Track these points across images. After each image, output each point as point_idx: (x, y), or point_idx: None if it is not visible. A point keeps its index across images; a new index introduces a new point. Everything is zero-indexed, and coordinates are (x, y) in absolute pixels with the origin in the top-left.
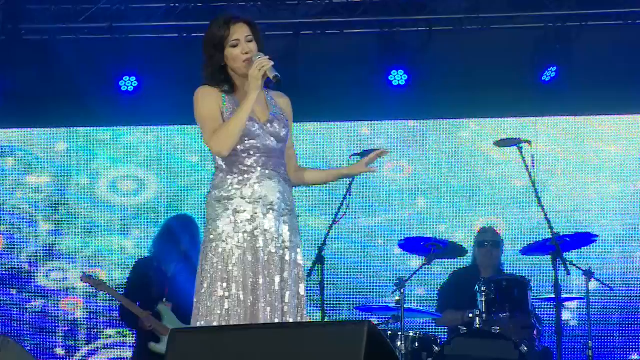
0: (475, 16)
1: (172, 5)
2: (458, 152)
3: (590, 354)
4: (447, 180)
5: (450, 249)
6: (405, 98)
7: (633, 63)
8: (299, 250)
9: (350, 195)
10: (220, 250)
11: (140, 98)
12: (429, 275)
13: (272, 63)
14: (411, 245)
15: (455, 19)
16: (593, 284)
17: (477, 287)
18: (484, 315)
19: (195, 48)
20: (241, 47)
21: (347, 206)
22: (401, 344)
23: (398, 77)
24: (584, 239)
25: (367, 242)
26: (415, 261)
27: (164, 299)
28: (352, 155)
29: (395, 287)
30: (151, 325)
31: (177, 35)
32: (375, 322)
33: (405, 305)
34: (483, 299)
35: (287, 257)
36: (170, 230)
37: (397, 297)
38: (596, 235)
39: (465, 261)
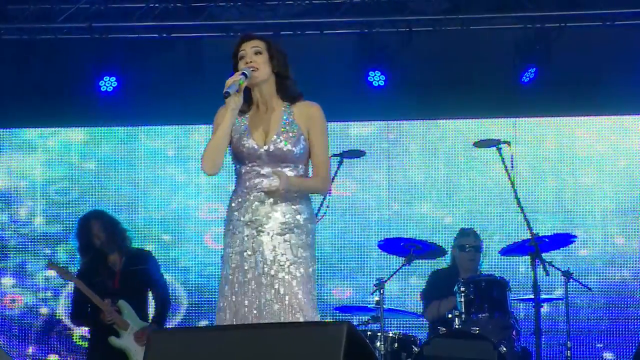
0: (455, 17)
1: (152, 5)
2: (437, 153)
3: (568, 354)
4: (427, 181)
5: (430, 250)
6: (385, 99)
7: (612, 64)
8: (303, 265)
9: (329, 195)
10: (223, 272)
11: (120, 98)
12: (409, 276)
13: (231, 80)
14: (390, 245)
15: (435, 20)
16: (572, 285)
17: (456, 287)
18: (463, 316)
19: (175, 48)
20: (245, 58)
21: (327, 207)
22: (380, 344)
23: (377, 78)
24: (562, 240)
25: (346, 243)
26: (395, 262)
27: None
28: (331, 156)
29: (374, 288)
30: (112, 319)
31: (157, 35)
32: (354, 323)
33: (384, 306)
34: (462, 299)
35: (283, 275)
36: (94, 226)
37: (376, 298)
38: (575, 236)
39: (444, 262)
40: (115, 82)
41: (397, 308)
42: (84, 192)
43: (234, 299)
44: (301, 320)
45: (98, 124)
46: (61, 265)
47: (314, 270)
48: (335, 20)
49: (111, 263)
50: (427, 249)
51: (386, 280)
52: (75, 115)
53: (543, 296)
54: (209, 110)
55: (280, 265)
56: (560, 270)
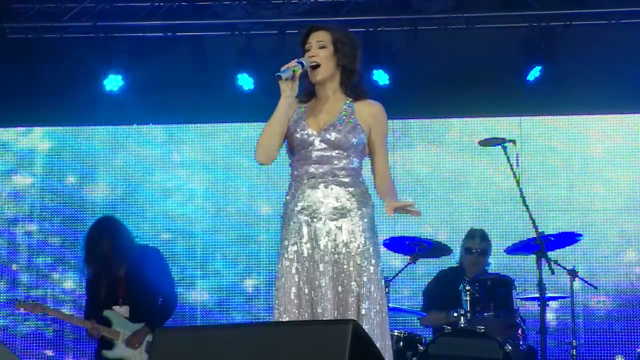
0: (460, 15)
1: (157, 4)
2: (443, 152)
3: (574, 353)
4: (432, 180)
5: (435, 249)
6: (390, 97)
7: (617, 63)
8: (360, 249)
9: None
10: (279, 266)
11: (126, 97)
12: (414, 275)
13: (286, 66)
14: (396, 244)
15: (439, 19)
16: (577, 283)
17: (461, 286)
18: (468, 315)
19: (180, 47)
20: (310, 51)
21: None
22: None
23: (383, 77)
24: (568, 239)
25: None
26: (400, 260)
27: (120, 302)
28: None
29: None
30: (99, 333)
31: (162, 34)
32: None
33: (389, 305)
34: (468, 298)
35: (338, 261)
36: (102, 233)
37: None
38: (580, 235)
39: (450, 260)
40: (121, 81)
41: (403, 307)
42: (87, 192)
43: (293, 291)
44: (354, 306)
45: (103, 122)
46: (30, 301)
47: (373, 254)
48: (340, 19)
49: (115, 269)
50: (432, 248)
51: (391, 279)
52: (80, 114)
53: (549, 294)
54: (212, 109)
55: (337, 252)
56: (566, 269)
